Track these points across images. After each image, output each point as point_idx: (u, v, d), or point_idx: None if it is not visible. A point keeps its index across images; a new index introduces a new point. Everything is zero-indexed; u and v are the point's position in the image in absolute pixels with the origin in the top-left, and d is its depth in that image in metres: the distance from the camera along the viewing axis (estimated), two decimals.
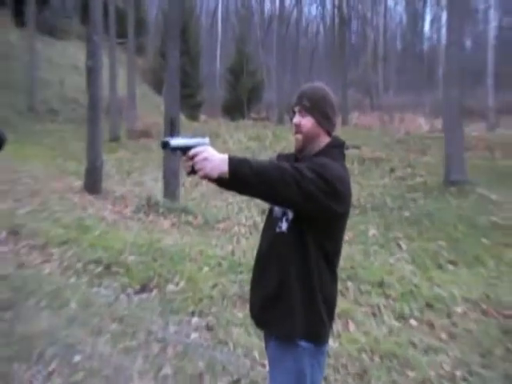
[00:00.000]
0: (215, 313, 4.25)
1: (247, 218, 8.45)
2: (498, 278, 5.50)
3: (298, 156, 2.04)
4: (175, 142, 1.73)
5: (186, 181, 10.29)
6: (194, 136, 1.78)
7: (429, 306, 4.57)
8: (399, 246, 6.91)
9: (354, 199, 8.17)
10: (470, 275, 5.67)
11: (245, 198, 8.44)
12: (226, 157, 1.68)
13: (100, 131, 9.47)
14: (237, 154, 1.84)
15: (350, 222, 2.07)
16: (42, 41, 21.37)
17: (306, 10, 46.45)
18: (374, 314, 4.40)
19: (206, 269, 5.26)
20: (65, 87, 20.38)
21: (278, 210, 1.99)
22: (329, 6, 43.15)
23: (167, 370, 3.33)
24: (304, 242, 1.87)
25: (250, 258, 5.17)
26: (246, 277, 4.72)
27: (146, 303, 4.45)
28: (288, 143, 13.62)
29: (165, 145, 1.72)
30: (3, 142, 3.50)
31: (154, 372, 3.31)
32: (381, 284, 5.00)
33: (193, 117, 25.90)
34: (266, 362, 2.18)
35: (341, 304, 4.07)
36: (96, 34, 9.39)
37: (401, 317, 4.36)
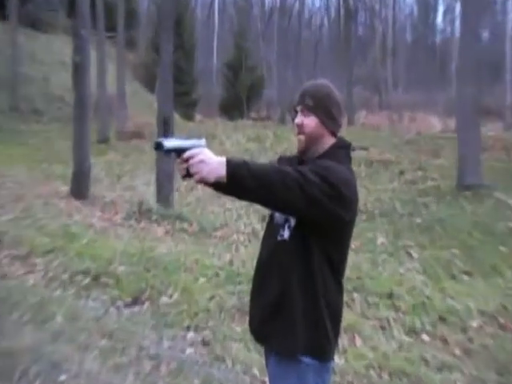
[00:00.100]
0: (212, 327, 4.25)
1: (246, 225, 8.45)
2: None
3: (300, 158, 2.05)
4: (169, 143, 1.73)
5: (180, 185, 10.29)
6: (189, 137, 1.79)
7: (442, 319, 4.57)
8: (410, 254, 6.91)
9: (360, 204, 8.17)
10: (486, 286, 5.67)
11: (244, 203, 8.44)
12: (223, 159, 1.68)
13: (88, 132, 9.49)
14: (235, 156, 1.85)
15: (356, 229, 2.08)
16: (25, 34, 21.39)
17: (309, 0, 46.68)
18: (382, 328, 4.40)
19: (202, 280, 5.27)
20: (50, 84, 20.41)
21: (279, 216, 2.00)
22: None
23: None
24: (307, 251, 1.87)
25: (250, 267, 5.17)
26: (245, 288, 4.72)
27: (137, 317, 4.45)
28: (290, 145, 13.63)
29: (158, 146, 1.73)
30: None
31: None
32: (390, 296, 5.00)
33: (188, 116, 25.92)
34: (267, 380, 2.19)
35: (347, 317, 4.07)
36: (83, 28, 9.42)
37: (412, 331, 4.36)
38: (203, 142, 1.80)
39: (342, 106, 2.05)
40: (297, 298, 1.88)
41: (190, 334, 4.15)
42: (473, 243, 7.16)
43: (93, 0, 13.76)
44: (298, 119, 2.01)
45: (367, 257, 6.64)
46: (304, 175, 1.73)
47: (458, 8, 30.36)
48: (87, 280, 5.15)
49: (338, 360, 3.63)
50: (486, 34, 31.50)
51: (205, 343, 4.00)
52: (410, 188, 10.66)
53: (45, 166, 12.26)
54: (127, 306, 4.68)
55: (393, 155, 13.00)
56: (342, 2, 32.52)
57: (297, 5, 38.20)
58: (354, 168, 2.02)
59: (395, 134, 17.46)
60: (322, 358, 1.91)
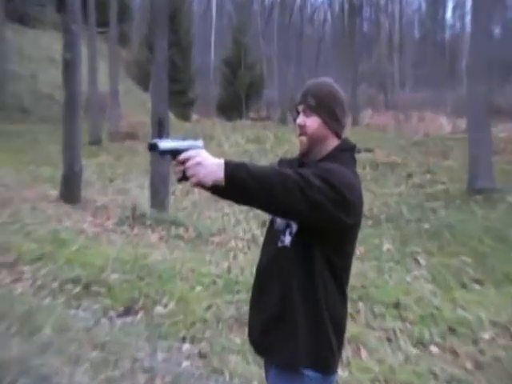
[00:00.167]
0: (209, 338, 4.24)
1: (245, 230, 8.46)
2: None
3: (302, 161, 2.05)
4: (164, 144, 1.74)
5: (176, 188, 10.31)
6: (185, 138, 1.79)
7: (451, 330, 4.57)
8: (417, 262, 6.92)
9: (366, 209, 8.20)
10: (498, 295, 5.68)
11: (243, 208, 8.45)
12: (221, 161, 1.68)
13: (78, 132, 9.47)
14: (234, 158, 1.85)
15: (361, 235, 2.09)
16: (12, 29, 21.44)
17: None
18: (388, 340, 4.40)
19: (198, 288, 5.26)
20: (38, 82, 20.43)
21: (280, 221, 2.00)
22: None
23: None
24: (309, 258, 1.87)
25: (249, 275, 5.18)
26: (244, 297, 4.72)
27: (130, 327, 4.45)
28: (291, 146, 13.67)
29: (153, 147, 1.73)
30: None
31: None
32: (396, 305, 5.01)
33: (184, 116, 25.97)
34: None
35: (351, 328, 4.07)
36: (74, 23, 9.43)
37: (419, 343, 4.36)
38: (200, 143, 1.80)
39: (345, 106, 2.04)
40: (298, 306, 1.88)
41: (186, 346, 4.14)
42: (484, 250, 7.16)
43: None
44: (300, 119, 2.01)
45: (373, 264, 6.64)
46: (305, 177, 1.73)
47: (468, 3, 30.48)
48: (78, 288, 5.13)
49: (341, 373, 3.63)
50: (497, 31, 31.58)
51: (201, 355, 4.00)
52: (417, 192, 10.67)
53: (32, 168, 12.26)
54: (120, 315, 4.67)
55: (399, 157, 13.02)
56: None
57: None
58: (359, 171, 2.02)
59: (402, 134, 17.50)
60: (325, 371, 1.91)
